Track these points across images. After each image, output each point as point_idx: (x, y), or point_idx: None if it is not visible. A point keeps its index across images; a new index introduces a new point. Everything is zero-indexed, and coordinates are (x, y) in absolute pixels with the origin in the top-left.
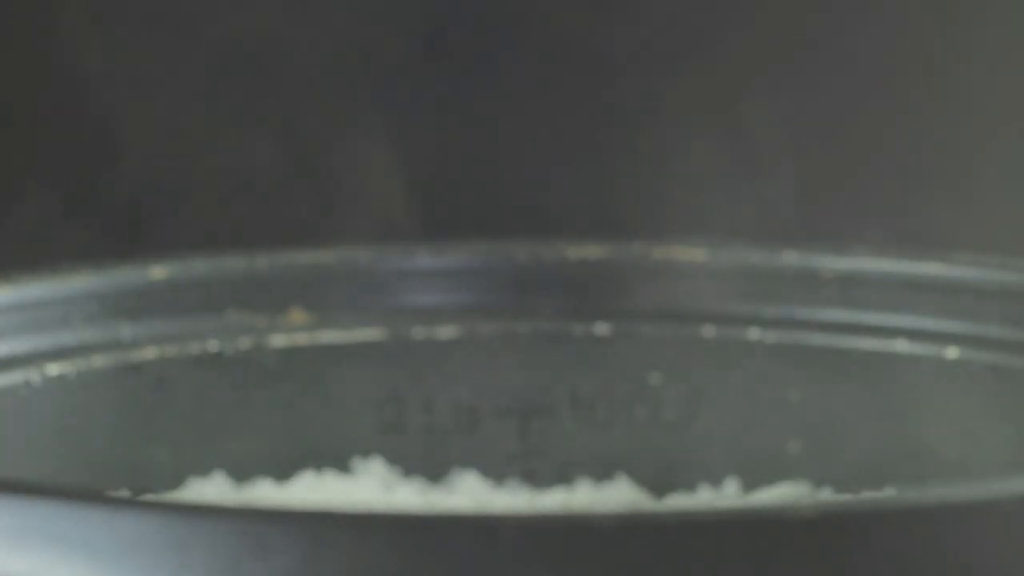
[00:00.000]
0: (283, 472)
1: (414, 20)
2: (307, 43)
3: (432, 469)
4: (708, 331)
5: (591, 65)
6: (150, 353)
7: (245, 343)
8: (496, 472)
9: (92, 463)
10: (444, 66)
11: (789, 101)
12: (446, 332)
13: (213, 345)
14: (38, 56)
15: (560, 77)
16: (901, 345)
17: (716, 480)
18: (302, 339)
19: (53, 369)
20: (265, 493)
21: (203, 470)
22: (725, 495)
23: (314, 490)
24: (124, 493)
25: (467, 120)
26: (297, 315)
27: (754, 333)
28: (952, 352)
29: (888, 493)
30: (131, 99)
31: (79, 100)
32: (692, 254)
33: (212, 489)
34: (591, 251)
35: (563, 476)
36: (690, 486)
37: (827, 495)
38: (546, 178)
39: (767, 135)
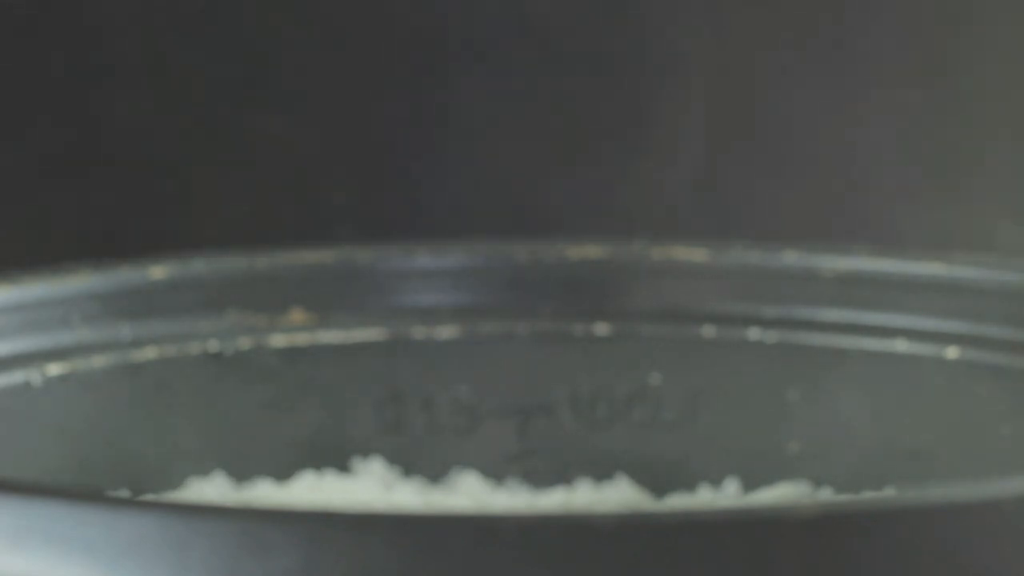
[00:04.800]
0: (283, 472)
1: (411, 20)
2: (307, 42)
3: (432, 469)
4: (708, 331)
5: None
6: (150, 353)
7: (245, 343)
8: (496, 472)
9: (92, 463)
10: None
11: (791, 101)
12: (446, 332)
13: (213, 345)
14: (36, 56)
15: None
16: (901, 345)
17: (716, 480)
18: (302, 339)
19: (53, 369)
20: (265, 493)
21: (203, 470)
22: (725, 495)
23: (314, 490)
24: (124, 493)
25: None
26: (297, 315)
27: (754, 333)
28: (952, 352)
29: (888, 493)
30: (130, 98)
31: (79, 100)
32: (692, 254)
33: (212, 489)
34: (591, 251)
35: (563, 476)
36: (690, 486)
37: (827, 495)
38: (546, 178)
39: (767, 135)
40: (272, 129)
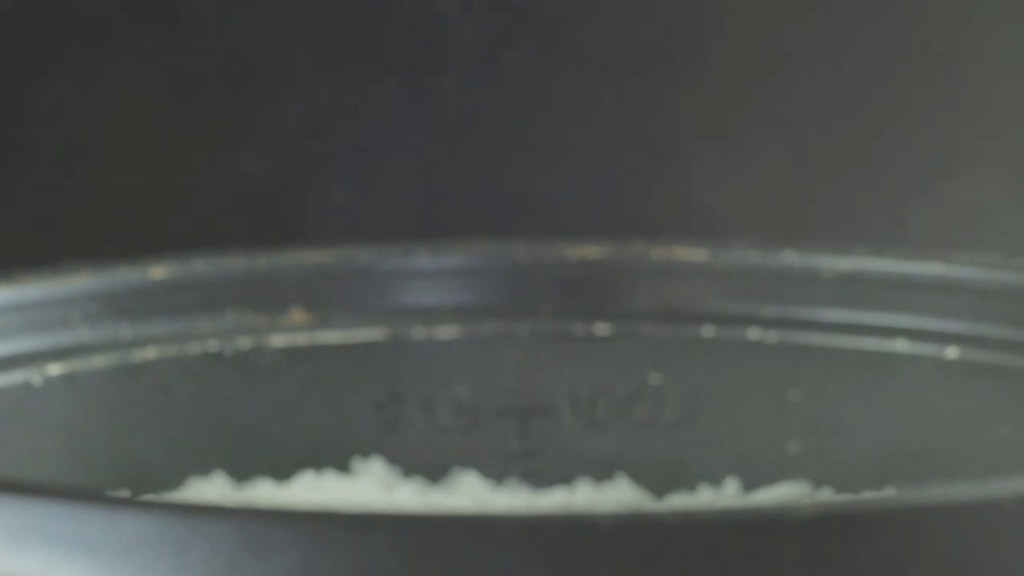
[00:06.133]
0: (283, 472)
1: (415, 19)
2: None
3: (432, 469)
4: (708, 331)
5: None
6: (150, 353)
7: (245, 343)
8: (496, 472)
9: (92, 463)
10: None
11: (790, 100)
12: (446, 332)
13: (213, 345)
14: (35, 55)
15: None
16: (901, 345)
17: (716, 480)
18: (302, 339)
19: (53, 369)
20: (265, 493)
21: (203, 470)
22: (725, 495)
23: (314, 490)
24: (124, 493)
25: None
26: (297, 315)
27: (754, 333)
28: (952, 352)
29: (888, 493)
30: (128, 100)
31: (77, 99)
32: (692, 254)
33: (212, 489)
34: (591, 251)
35: (563, 476)
36: (690, 486)
37: (827, 495)
38: (547, 178)
39: (768, 134)
40: (272, 126)
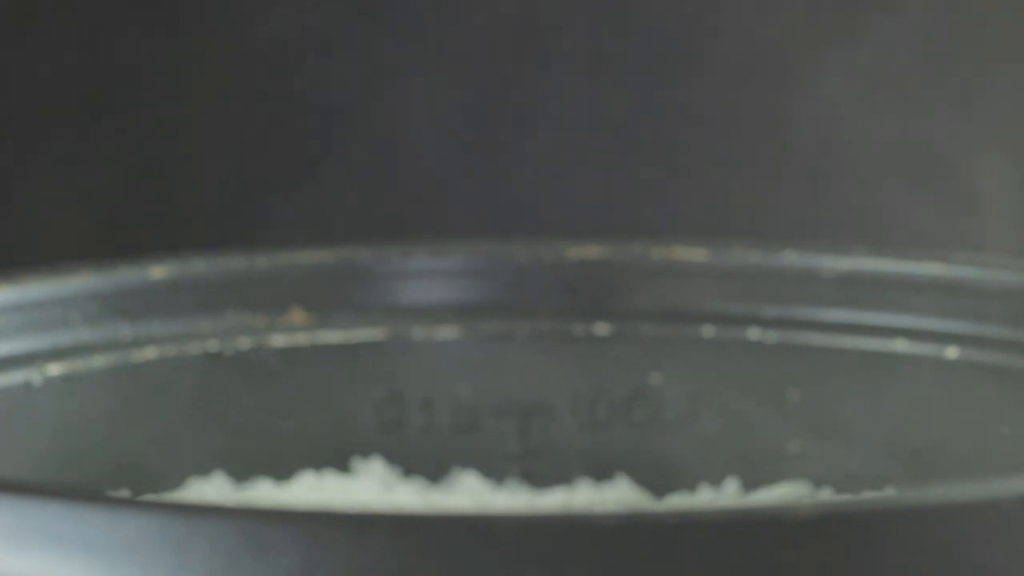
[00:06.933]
0: (283, 472)
1: (415, 19)
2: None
3: (432, 469)
4: (708, 331)
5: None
6: (150, 353)
7: (245, 343)
8: (496, 472)
9: (92, 463)
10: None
11: (787, 100)
12: (446, 332)
13: (213, 345)
14: (36, 55)
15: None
16: (901, 345)
17: (716, 480)
18: (302, 339)
19: (53, 369)
20: (265, 493)
21: (203, 470)
22: (725, 495)
23: (314, 490)
24: (124, 493)
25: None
26: (297, 315)
27: (754, 333)
28: (952, 352)
29: (888, 493)
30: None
31: (77, 99)
32: (692, 254)
33: (212, 489)
34: (591, 251)
35: (563, 476)
36: (690, 486)
37: (827, 495)
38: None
39: (764, 135)
40: (281, 128)
